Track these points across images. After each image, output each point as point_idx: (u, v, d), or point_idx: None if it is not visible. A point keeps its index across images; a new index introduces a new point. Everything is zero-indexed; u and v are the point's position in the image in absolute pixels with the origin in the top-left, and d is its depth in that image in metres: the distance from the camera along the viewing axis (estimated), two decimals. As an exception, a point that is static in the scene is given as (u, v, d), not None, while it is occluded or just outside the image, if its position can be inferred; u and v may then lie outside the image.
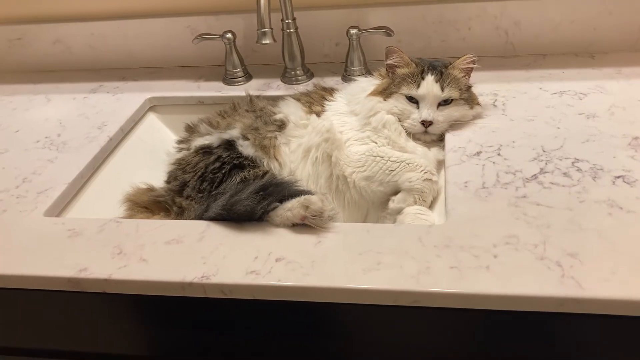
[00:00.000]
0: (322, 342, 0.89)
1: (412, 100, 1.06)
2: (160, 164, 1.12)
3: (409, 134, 1.07)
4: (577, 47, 1.29)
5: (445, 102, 1.06)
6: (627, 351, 0.79)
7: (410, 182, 1.01)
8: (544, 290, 0.73)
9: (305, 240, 0.85)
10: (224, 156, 1.01)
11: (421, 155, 1.05)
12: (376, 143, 1.07)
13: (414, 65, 1.09)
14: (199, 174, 1.01)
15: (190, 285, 0.80)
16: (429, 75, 1.05)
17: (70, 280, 0.83)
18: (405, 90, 1.06)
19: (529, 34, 1.30)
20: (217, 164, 1.01)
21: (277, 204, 0.88)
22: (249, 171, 0.99)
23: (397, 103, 1.07)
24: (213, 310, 0.86)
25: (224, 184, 0.98)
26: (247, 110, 1.14)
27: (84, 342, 0.98)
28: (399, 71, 1.09)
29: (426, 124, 1.05)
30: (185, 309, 0.87)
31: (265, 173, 1.00)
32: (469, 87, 1.09)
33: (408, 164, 1.02)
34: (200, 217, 0.93)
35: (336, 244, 0.84)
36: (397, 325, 0.83)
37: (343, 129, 1.09)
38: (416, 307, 0.76)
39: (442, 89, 1.05)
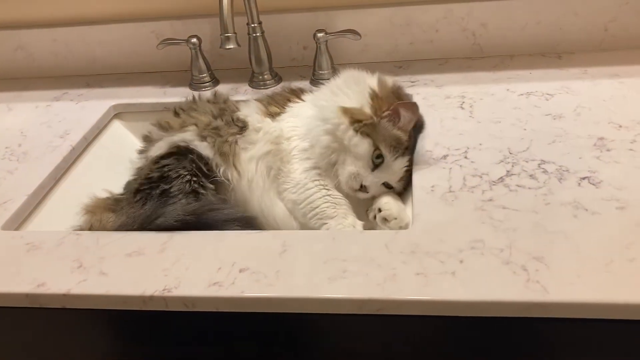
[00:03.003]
0: (288, 353, 0.87)
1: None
2: (125, 172, 1.09)
3: None
4: (544, 48, 1.30)
5: None
6: (593, 354, 0.78)
7: (328, 228, 0.95)
8: (510, 295, 0.72)
9: (269, 249, 0.83)
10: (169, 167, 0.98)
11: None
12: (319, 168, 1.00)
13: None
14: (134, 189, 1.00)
15: (152, 298, 0.78)
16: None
17: (28, 296, 0.81)
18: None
19: (496, 35, 1.30)
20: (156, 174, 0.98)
21: None
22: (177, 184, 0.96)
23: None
24: (176, 324, 0.84)
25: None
26: (209, 102, 1.10)
27: (45, 359, 0.95)
28: None
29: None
30: (148, 323, 0.85)
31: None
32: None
33: (334, 208, 0.96)
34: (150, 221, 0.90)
35: (301, 253, 0.82)
36: (364, 334, 0.82)
37: (292, 134, 1.02)
38: (382, 315, 0.75)
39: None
